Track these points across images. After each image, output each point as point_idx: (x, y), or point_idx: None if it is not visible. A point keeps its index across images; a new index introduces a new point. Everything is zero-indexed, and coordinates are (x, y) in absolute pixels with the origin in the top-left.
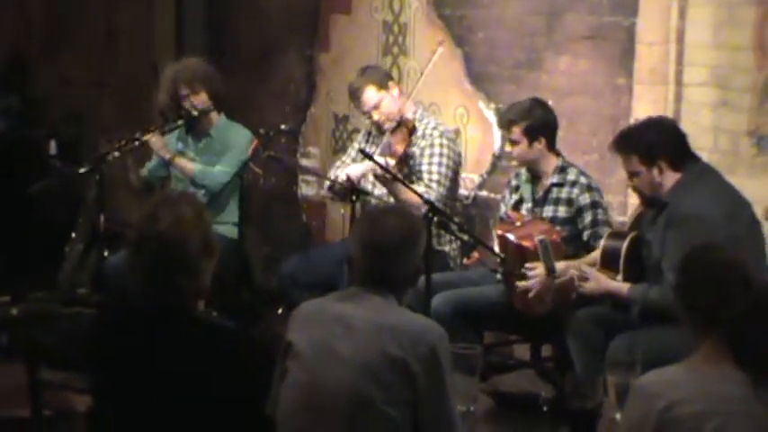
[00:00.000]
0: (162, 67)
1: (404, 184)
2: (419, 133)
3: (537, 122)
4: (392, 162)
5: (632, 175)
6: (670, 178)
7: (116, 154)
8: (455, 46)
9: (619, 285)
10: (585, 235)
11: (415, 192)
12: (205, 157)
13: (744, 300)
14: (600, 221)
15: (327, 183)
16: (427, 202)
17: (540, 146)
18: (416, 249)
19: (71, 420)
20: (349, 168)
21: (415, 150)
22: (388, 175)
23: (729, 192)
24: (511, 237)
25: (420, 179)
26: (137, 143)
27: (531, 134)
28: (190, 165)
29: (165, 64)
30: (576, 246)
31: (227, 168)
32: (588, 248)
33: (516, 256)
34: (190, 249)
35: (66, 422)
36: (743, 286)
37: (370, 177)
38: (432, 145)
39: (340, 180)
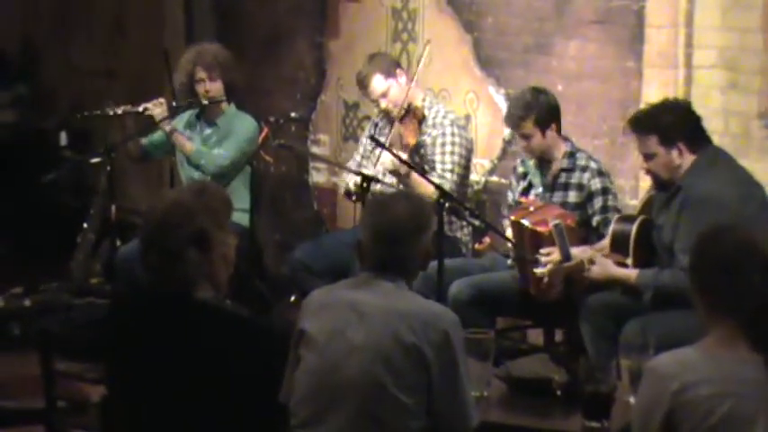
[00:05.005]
0: (173, 55)
1: (421, 174)
2: (429, 122)
3: (545, 111)
4: (404, 156)
5: (648, 157)
6: (688, 160)
7: (118, 111)
8: (464, 31)
9: (626, 272)
10: (595, 221)
11: (431, 182)
12: (209, 145)
13: (763, 283)
14: (610, 208)
15: (343, 189)
16: (439, 188)
17: (552, 133)
18: (426, 234)
19: (85, 411)
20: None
21: (426, 140)
22: (402, 169)
23: (742, 174)
24: (526, 222)
25: (433, 169)
26: (141, 110)
27: (543, 124)
28: (189, 142)
29: (175, 51)
30: (586, 231)
31: (226, 152)
32: (598, 234)
33: (531, 242)
34: (175, 235)
35: (80, 413)
36: (761, 269)
37: (380, 167)
38: (443, 134)
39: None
